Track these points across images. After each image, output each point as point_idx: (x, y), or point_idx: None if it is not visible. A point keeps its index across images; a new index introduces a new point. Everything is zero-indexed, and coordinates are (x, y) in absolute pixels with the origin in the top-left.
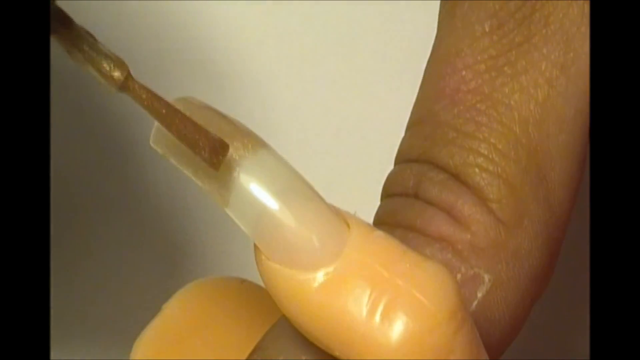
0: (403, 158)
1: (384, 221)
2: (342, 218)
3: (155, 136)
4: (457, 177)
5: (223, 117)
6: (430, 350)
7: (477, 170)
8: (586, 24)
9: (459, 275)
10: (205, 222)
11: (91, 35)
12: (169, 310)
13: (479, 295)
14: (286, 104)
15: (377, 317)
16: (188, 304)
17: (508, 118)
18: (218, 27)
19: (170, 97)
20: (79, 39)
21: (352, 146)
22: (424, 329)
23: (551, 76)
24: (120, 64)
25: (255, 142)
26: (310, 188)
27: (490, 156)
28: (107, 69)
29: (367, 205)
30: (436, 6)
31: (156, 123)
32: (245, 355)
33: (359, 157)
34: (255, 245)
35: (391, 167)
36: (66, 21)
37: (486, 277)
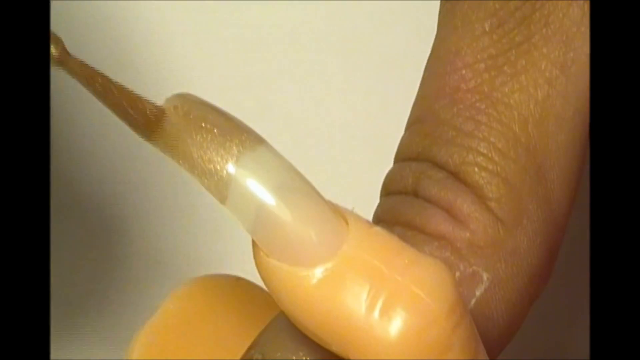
0: (402, 156)
1: (383, 219)
2: (340, 214)
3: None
4: (457, 176)
5: (221, 113)
6: (429, 345)
7: (476, 169)
8: (586, 24)
9: (457, 274)
10: (204, 222)
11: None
12: (165, 308)
13: (477, 293)
14: (285, 101)
15: (376, 313)
16: (183, 302)
17: (507, 117)
18: (218, 26)
19: (169, 93)
20: None
21: (351, 144)
22: (423, 325)
23: (551, 76)
24: (55, 40)
25: (253, 138)
26: (309, 184)
27: (490, 155)
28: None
29: (366, 204)
30: (436, 5)
31: None
32: (241, 353)
33: (358, 155)
34: (253, 242)
35: (390, 165)
36: None
37: (485, 276)
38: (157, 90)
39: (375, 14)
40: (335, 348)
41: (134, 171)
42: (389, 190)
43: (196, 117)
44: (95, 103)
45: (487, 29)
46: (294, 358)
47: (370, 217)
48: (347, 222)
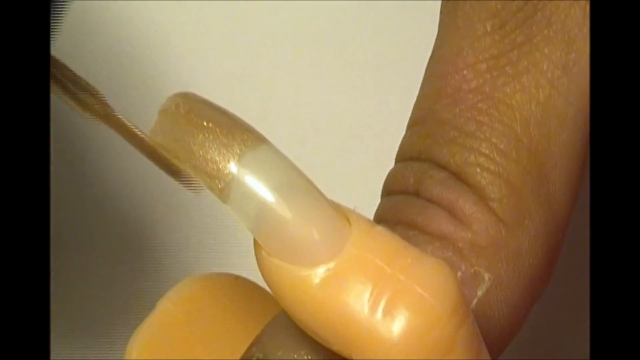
0: (404, 156)
1: (385, 218)
2: (342, 214)
3: (153, 134)
4: (458, 176)
5: (223, 112)
6: (432, 345)
7: (478, 169)
8: (588, 25)
9: (459, 274)
10: (203, 221)
11: (68, 68)
12: (163, 307)
13: (479, 293)
14: (287, 101)
15: (379, 313)
16: (182, 301)
17: (509, 118)
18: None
19: (170, 92)
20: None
21: (353, 144)
22: (427, 324)
23: (553, 76)
24: (95, 93)
25: (255, 137)
26: (311, 184)
27: (492, 156)
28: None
29: (368, 203)
30: (437, 6)
31: (154, 121)
32: (240, 352)
33: (359, 155)
34: (255, 241)
35: (392, 165)
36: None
37: (486, 276)
38: (158, 90)
39: (377, 14)
40: (337, 347)
41: (134, 171)
42: (390, 190)
43: (198, 116)
44: None
45: (488, 30)
46: (295, 357)
47: (371, 217)
48: (349, 222)
